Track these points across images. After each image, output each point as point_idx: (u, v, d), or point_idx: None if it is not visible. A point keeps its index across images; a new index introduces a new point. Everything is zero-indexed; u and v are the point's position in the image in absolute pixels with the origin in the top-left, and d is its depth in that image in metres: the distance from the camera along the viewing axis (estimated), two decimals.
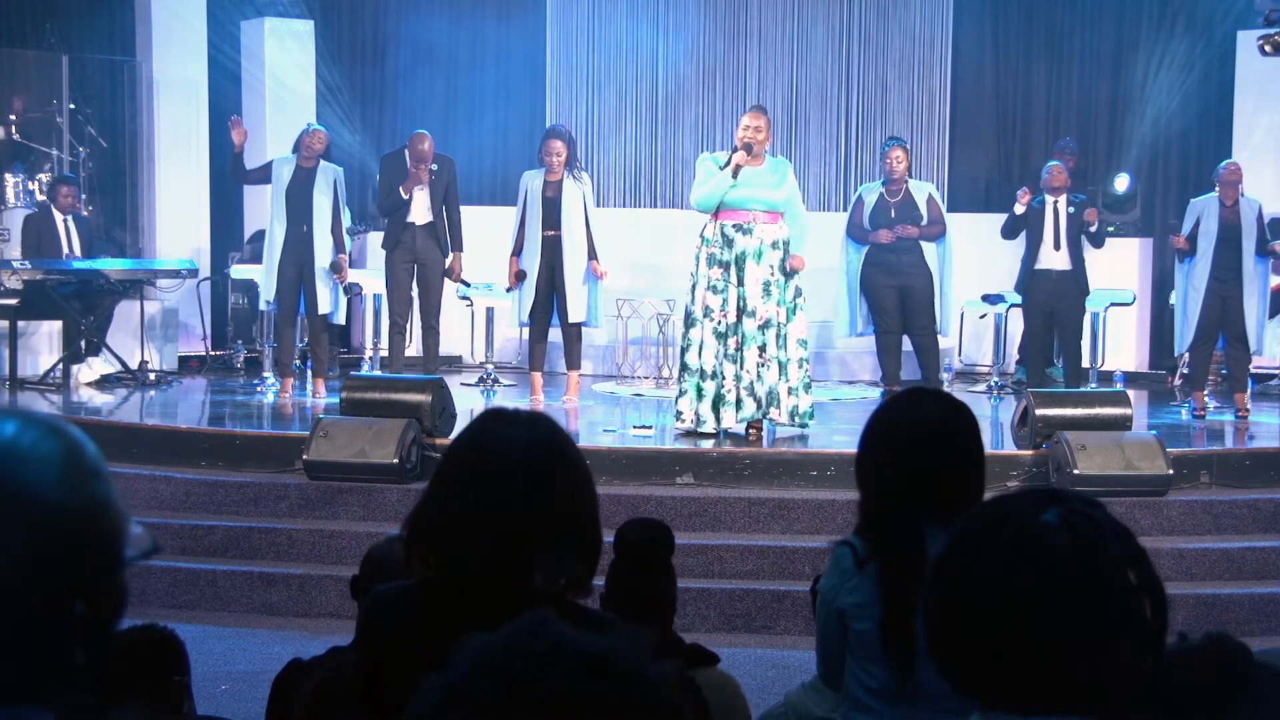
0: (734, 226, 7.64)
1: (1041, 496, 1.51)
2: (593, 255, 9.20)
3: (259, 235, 11.63)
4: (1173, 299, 11.30)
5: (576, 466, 2.26)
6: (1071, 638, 1.43)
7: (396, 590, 2.32)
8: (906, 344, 9.64)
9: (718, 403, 7.67)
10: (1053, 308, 9.66)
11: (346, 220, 9.82)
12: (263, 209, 10.11)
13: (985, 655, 1.46)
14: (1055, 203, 9.59)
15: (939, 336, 9.74)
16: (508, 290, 9.50)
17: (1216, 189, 9.36)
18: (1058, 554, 1.45)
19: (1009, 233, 9.91)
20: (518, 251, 9.27)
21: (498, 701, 1.12)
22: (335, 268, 9.59)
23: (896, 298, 9.43)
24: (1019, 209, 9.69)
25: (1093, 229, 9.61)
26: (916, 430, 2.74)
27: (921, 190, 9.60)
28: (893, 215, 9.42)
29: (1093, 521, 1.47)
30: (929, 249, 9.45)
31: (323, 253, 9.53)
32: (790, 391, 7.72)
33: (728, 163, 7.61)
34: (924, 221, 9.42)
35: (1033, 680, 1.44)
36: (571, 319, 9.23)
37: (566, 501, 2.21)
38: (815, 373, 8.70)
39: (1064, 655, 1.43)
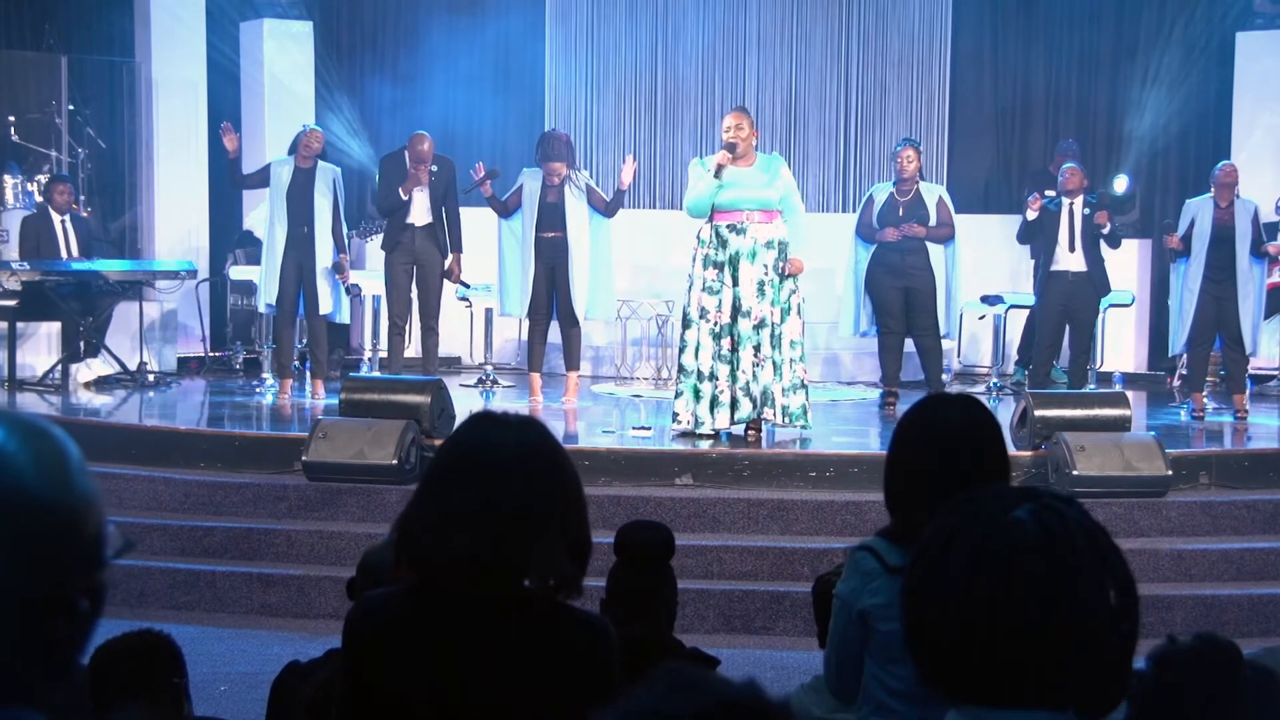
0: (728, 227, 7.64)
1: (1015, 494, 1.53)
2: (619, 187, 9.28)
3: (247, 236, 11.64)
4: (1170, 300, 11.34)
5: (565, 468, 2.27)
6: (1038, 632, 1.44)
7: (384, 595, 2.32)
8: (909, 345, 9.63)
9: (714, 404, 7.67)
10: (1067, 309, 9.63)
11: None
12: (262, 210, 10.11)
13: (957, 650, 1.47)
14: (1071, 204, 9.57)
15: (944, 339, 9.72)
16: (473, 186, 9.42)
17: (1212, 190, 9.37)
18: (1025, 549, 1.46)
19: (1024, 238, 9.91)
20: (501, 211, 9.31)
21: None
22: (338, 268, 9.59)
23: (901, 299, 9.36)
24: (1031, 214, 9.66)
25: (1104, 231, 9.58)
26: (944, 434, 2.77)
27: (932, 192, 9.52)
28: (900, 215, 9.35)
29: (1062, 518, 1.48)
30: (935, 251, 9.36)
31: (324, 253, 9.54)
32: (785, 392, 7.72)
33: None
34: (932, 223, 9.37)
35: (1003, 674, 1.45)
36: (570, 319, 9.24)
37: (556, 503, 2.22)
38: (814, 374, 8.69)
39: (1032, 649, 1.44)
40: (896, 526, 2.83)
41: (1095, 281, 9.60)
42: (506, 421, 2.29)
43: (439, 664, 2.19)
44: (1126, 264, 11.91)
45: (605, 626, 2.27)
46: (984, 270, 11.00)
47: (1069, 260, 9.55)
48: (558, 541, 2.21)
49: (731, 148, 7.62)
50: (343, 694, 2.30)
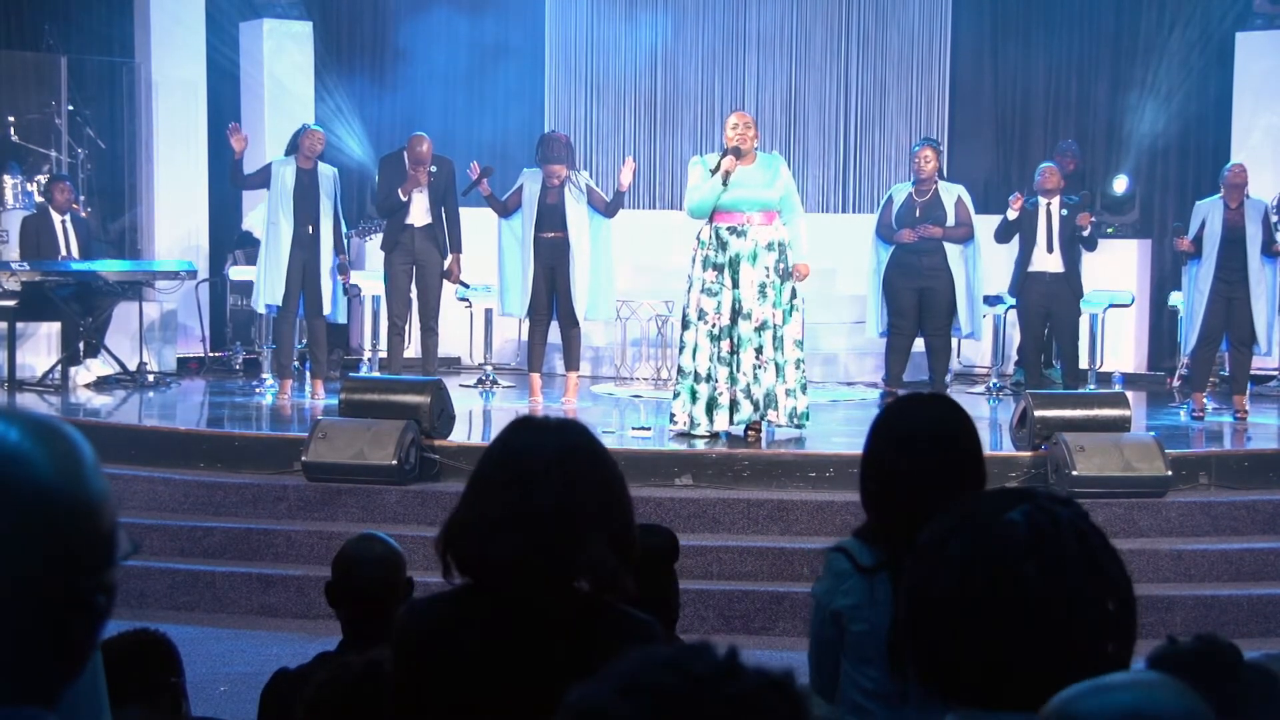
0: (728, 229, 7.63)
1: (1011, 495, 1.52)
2: (617, 189, 9.22)
3: (247, 237, 11.63)
4: (1173, 300, 11.33)
5: (607, 468, 2.29)
6: (1031, 634, 1.44)
7: (432, 599, 2.34)
8: (918, 346, 9.58)
9: (711, 406, 7.66)
10: (1047, 310, 9.63)
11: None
12: (261, 211, 10.10)
13: (952, 652, 1.47)
14: (1048, 205, 9.57)
15: (971, 340, 9.66)
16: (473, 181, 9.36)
17: (1221, 191, 9.36)
18: (1016, 551, 1.46)
19: (1002, 237, 9.87)
20: (500, 211, 9.27)
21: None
22: (340, 268, 9.60)
23: (915, 300, 9.26)
24: (1011, 214, 9.66)
25: (1084, 232, 9.58)
26: (916, 434, 2.75)
27: (950, 192, 9.40)
28: (918, 215, 9.26)
29: (1054, 519, 1.48)
30: (954, 252, 9.24)
31: (328, 254, 9.54)
32: (789, 393, 7.71)
33: (717, 168, 7.57)
34: (950, 223, 9.31)
35: (998, 676, 1.45)
36: (571, 320, 9.23)
37: (599, 503, 2.24)
38: (811, 374, 8.68)
39: (1026, 651, 1.44)
40: (870, 526, 2.82)
41: (1072, 282, 9.60)
42: (546, 425, 2.31)
43: (487, 667, 2.20)
44: (1126, 264, 11.91)
45: (654, 627, 2.28)
46: (984, 271, 10.97)
47: (1046, 261, 9.55)
48: (603, 541, 2.22)
49: (737, 152, 7.59)
50: (391, 698, 2.31)
